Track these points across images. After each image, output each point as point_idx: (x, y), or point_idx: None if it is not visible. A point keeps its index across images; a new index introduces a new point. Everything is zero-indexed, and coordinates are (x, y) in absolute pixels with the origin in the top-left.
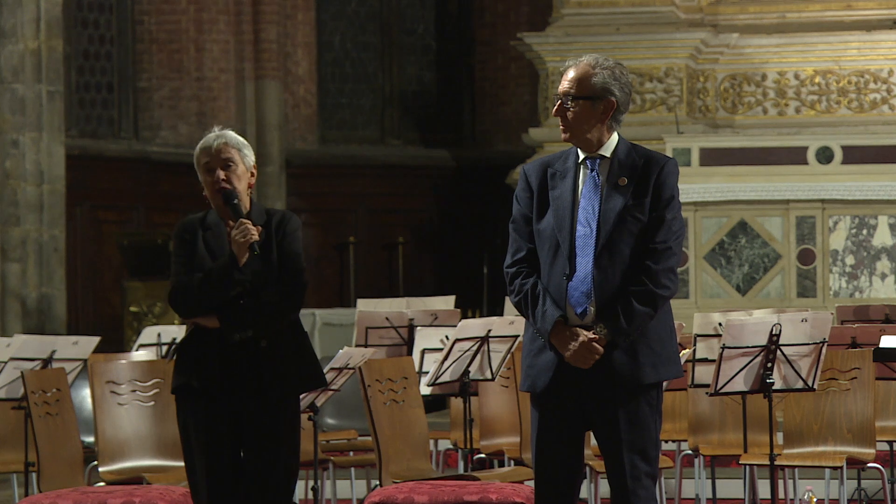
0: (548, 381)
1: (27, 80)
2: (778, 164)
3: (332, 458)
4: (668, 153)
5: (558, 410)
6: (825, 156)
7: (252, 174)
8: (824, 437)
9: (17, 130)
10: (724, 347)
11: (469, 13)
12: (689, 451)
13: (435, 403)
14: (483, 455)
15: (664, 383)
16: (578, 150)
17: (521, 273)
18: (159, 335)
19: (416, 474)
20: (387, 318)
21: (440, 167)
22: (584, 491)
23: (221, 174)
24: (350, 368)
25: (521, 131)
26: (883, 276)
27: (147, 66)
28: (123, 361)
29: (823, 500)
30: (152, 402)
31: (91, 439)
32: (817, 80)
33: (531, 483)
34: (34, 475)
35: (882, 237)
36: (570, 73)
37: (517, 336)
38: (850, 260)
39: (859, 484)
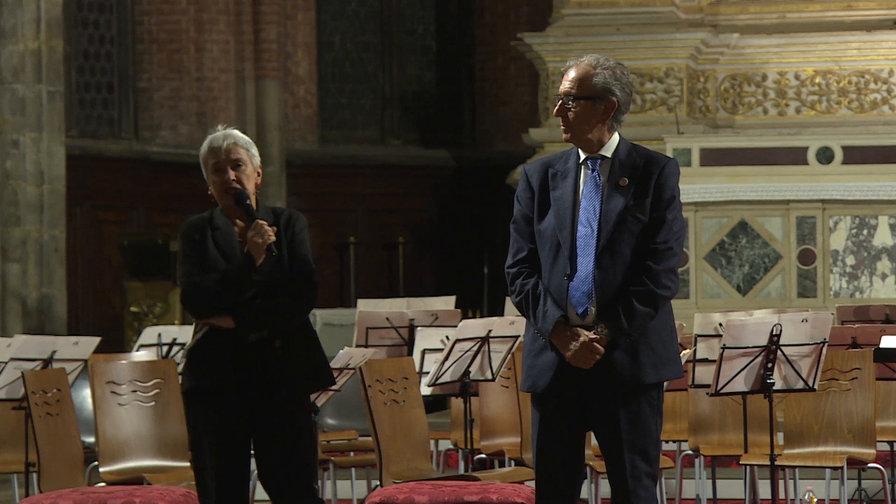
0: (548, 381)
1: (27, 80)
2: (778, 164)
3: (332, 458)
4: (669, 153)
5: (559, 411)
6: (825, 156)
7: (258, 174)
8: (825, 438)
9: (18, 130)
10: (724, 347)
11: (469, 13)
12: (690, 452)
13: (435, 404)
14: (483, 455)
15: (665, 383)
16: (579, 151)
17: (522, 273)
18: (160, 335)
19: (416, 474)
20: (387, 319)
21: (440, 167)
22: (585, 491)
23: (232, 174)
24: (350, 369)
25: (521, 131)
26: (883, 277)
27: (147, 66)
28: (124, 362)
29: (824, 500)
30: (152, 403)
31: (91, 439)
32: (817, 80)
33: (532, 483)
34: (34, 475)
35: (882, 237)
36: (571, 74)
37: (518, 336)
38: (850, 260)
39: (860, 484)
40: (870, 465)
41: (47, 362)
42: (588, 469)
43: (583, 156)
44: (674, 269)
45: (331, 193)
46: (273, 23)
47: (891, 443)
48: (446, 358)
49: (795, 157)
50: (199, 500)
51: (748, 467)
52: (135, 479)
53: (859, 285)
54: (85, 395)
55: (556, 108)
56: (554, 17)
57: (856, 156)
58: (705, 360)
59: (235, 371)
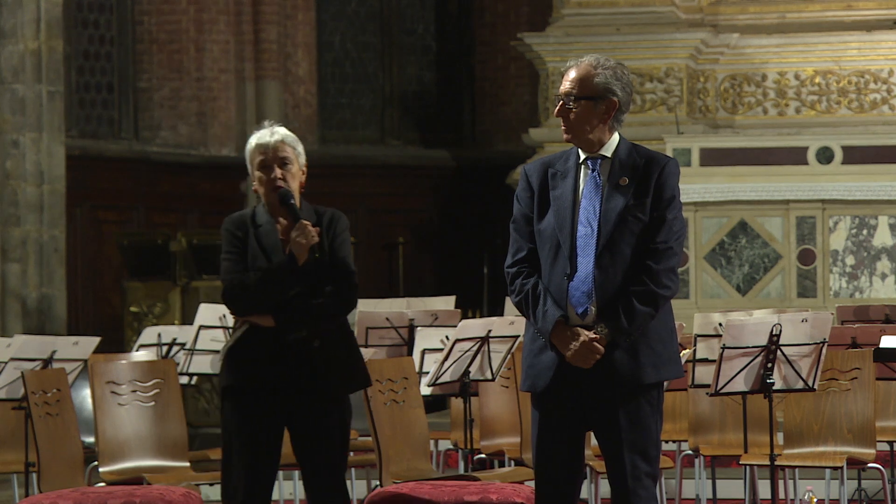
0: (548, 381)
1: (27, 80)
2: (778, 164)
3: None
4: (669, 153)
5: (558, 410)
6: (825, 156)
7: (304, 172)
8: (824, 438)
9: (18, 130)
10: (724, 347)
11: (469, 13)
12: (690, 452)
13: (435, 404)
14: (483, 455)
15: (665, 383)
16: (579, 151)
17: (521, 273)
18: (159, 335)
19: (416, 474)
20: (387, 319)
21: (440, 167)
22: (585, 491)
23: (279, 172)
24: None
25: (521, 131)
26: (883, 277)
27: (147, 67)
28: (124, 362)
29: (824, 500)
30: (152, 403)
31: (91, 439)
32: (817, 80)
33: (531, 483)
34: (34, 475)
35: (882, 237)
36: (572, 74)
37: (517, 336)
38: (850, 260)
39: (860, 484)
40: (870, 465)
41: (47, 362)
42: (588, 469)
43: (583, 155)
44: (674, 268)
45: (331, 193)
46: (273, 23)
47: (891, 443)
48: (446, 358)
49: (795, 157)
50: (222, 498)
51: (748, 467)
52: (135, 479)
53: (859, 285)
54: (85, 395)
55: (557, 108)
56: (554, 17)
57: (856, 156)
58: (705, 360)
59: (273, 370)
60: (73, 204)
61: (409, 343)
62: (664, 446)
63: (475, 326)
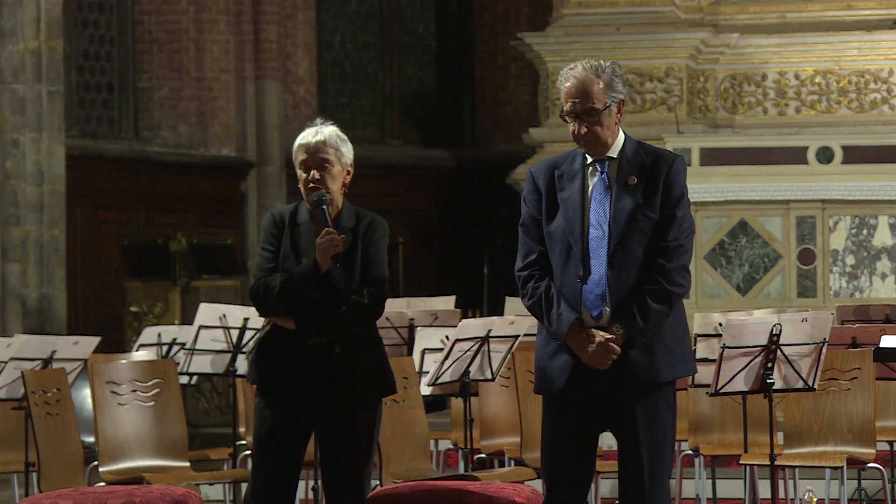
0: (563, 382)
1: (27, 80)
2: (778, 164)
3: None
4: None
5: (573, 411)
6: (825, 156)
7: (348, 172)
8: (825, 437)
9: (18, 130)
10: (724, 347)
11: (469, 13)
12: (690, 451)
13: (435, 403)
14: (483, 455)
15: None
16: (586, 153)
17: (533, 276)
18: (159, 335)
19: (416, 474)
20: (387, 318)
21: (440, 167)
22: None
23: (315, 174)
24: None
25: (521, 131)
26: (883, 276)
27: (147, 66)
28: (124, 361)
29: (824, 500)
30: (152, 402)
31: (91, 439)
32: (817, 80)
33: (532, 483)
34: (34, 475)
35: (882, 237)
36: (580, 89)
37: (517, 336)
38: (850, 260)
39: (860, 484)
40: (870, 464)
41: (47, 362)
42: None
43: (590, 158)
44: (685, 266)
45: None
46: (273, 23)
47: (891, 443)
48: (446, 358)
49: (795, 156)
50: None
51: (748, 467)
52: (135, 478)
53: (859, 285)
54: (85, 395)
55: (579, 127)
56: (554, 17)
57: (856, 156)
58: (705, 360)
59: (294, 372)
60: (73, 204)
61: (409, 343)
62: None
63: (475, 326)
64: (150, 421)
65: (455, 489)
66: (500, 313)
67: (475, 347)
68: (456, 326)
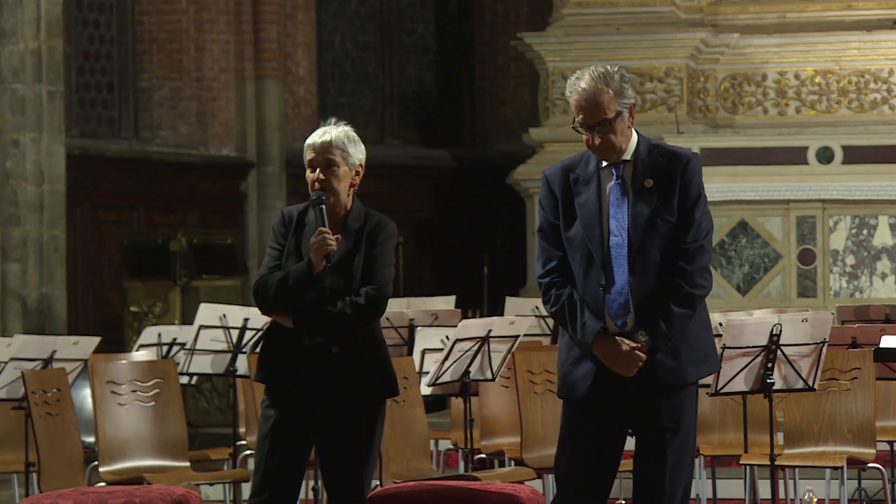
0: (586, 389)
1: (27, 80)
2: (778, 164)
3: None
4: None
5: (595, 417)
6: (825, 156)
7: (357, 173)
8: (825, 438)
9: (18, 130)
10: (724, 347)
11: (469, 13)
12: None
13: (435, 403)
14: (483, 455)
15: None
16: None
17: (555, 284)
18: (160, 335)
19: (416, 474)
20: (387, 318)
21: (440, 167)
22: None
23: (320, 174)
24: None
25: (521, 131)
26: (883, 276)
27: (147, 66)
28: (124, 361)
29: (824, 500)
30: (152, 402)
31: (91, 439)
32: (817, 80)
33: (532, 483)
34: (34, 475)
35: (882, 237)
36: (590, 101)
37: (517, 336)
38: (850, 260)
39: (860, 484)
40: (870, 465)
41: (47, 362)
42: None
43: (604, 162)
44: (706, 266)
45: None
46: (273, 23)
47: (891, 443)
48: (446, 358)
49: (795, 156)
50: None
51: (748, 467)
52: (135, 478)
53: (859, 285)
54: (85, 395)
55: (592, 138)
56: (554, 17)
57: (856, 156)
58: None
59: (292, 371)
60: (73, 204)
61: (409, 343)
62: None
63: (475, 326)
64: (151, 421)
65: (455, 489)
66: (500, 313)
67: (475, 347)
68: (456, 326)
